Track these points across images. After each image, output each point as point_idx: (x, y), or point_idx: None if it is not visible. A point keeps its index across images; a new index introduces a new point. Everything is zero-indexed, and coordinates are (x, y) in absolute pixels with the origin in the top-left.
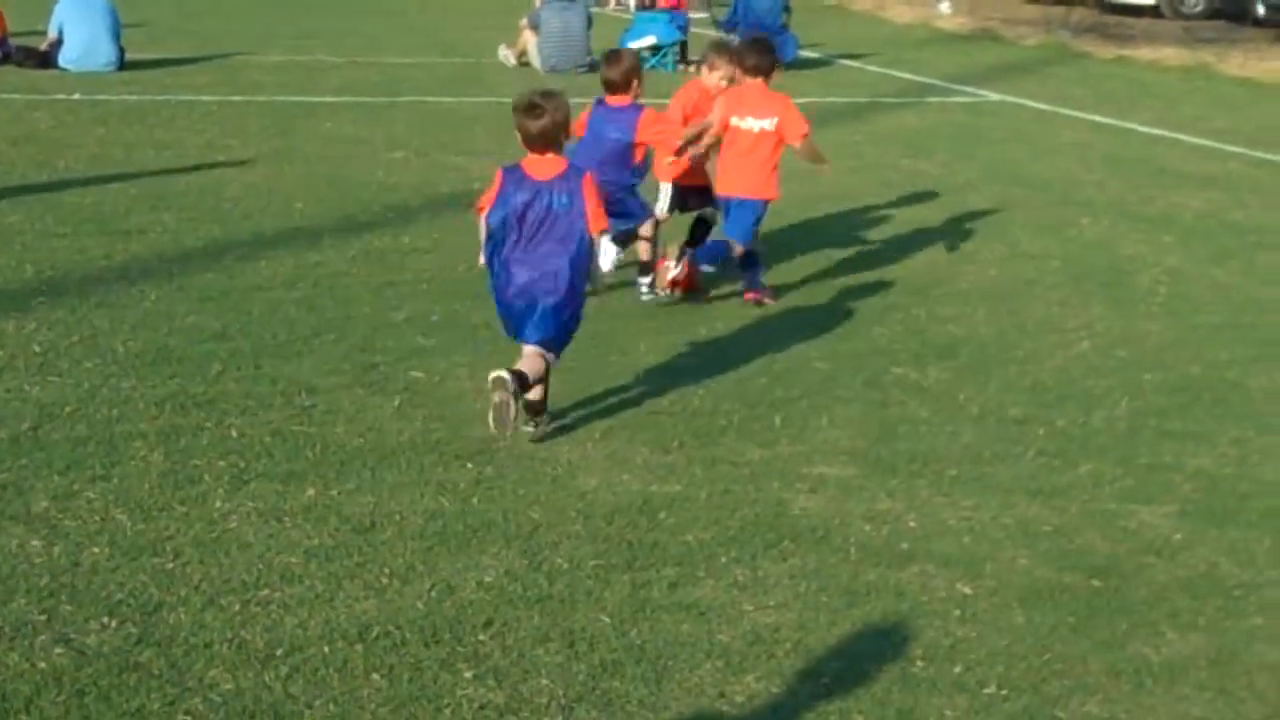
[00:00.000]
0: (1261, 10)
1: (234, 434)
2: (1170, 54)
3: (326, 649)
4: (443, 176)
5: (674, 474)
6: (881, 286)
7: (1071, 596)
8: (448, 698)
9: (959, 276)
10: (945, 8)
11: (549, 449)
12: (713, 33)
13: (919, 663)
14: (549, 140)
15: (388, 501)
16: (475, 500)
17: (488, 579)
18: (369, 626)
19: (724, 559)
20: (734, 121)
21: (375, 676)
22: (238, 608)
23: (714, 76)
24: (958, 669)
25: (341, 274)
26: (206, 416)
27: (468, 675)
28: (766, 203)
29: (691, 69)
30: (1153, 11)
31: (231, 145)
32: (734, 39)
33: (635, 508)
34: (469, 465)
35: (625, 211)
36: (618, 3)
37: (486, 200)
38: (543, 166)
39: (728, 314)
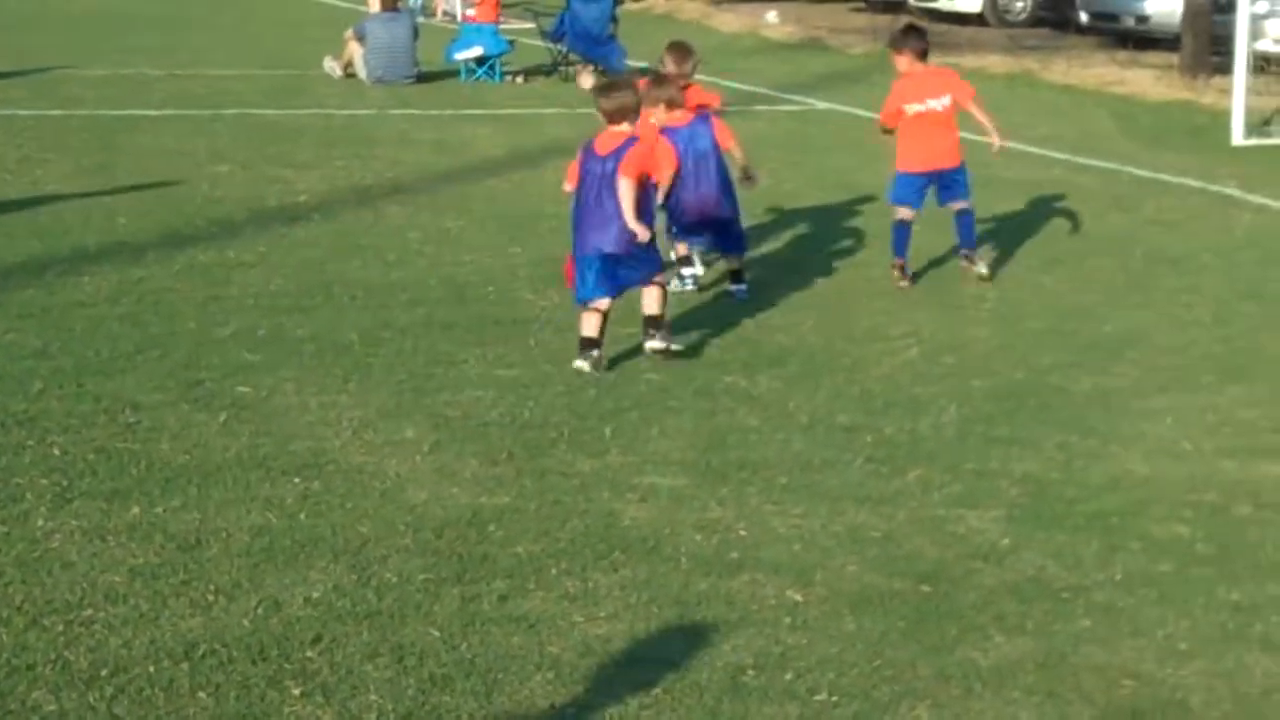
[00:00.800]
0: (1084, 18)
1: (56, 452)
2: (995, 61)
3: (152, 668)
4: (268, 189)
5: (503, 486)
6: (710, 296)
7: (901, 602)
8: (275, 715)
9: (786, 285)
10: (772, 17)
11: (377, 463)
12: (539, 43)
13: (750, 671)
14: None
15: (213, 518)
16: (303, 515)
17: (315, 594)
18: (195, 645)
19: (554, 570)
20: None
21: (202, 695)
22: (61, 628)
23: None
24: (788, 676)
25: (166, 289)
26: (28, 434)
27: (296, 692)
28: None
29: (518, 80)
30: (977, 20)
31: (50, 159)
32: (561, 48)
33: (465, 520)
34: (296, 480)
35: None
36: (444, 14)
37: None
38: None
39: (558, 324)
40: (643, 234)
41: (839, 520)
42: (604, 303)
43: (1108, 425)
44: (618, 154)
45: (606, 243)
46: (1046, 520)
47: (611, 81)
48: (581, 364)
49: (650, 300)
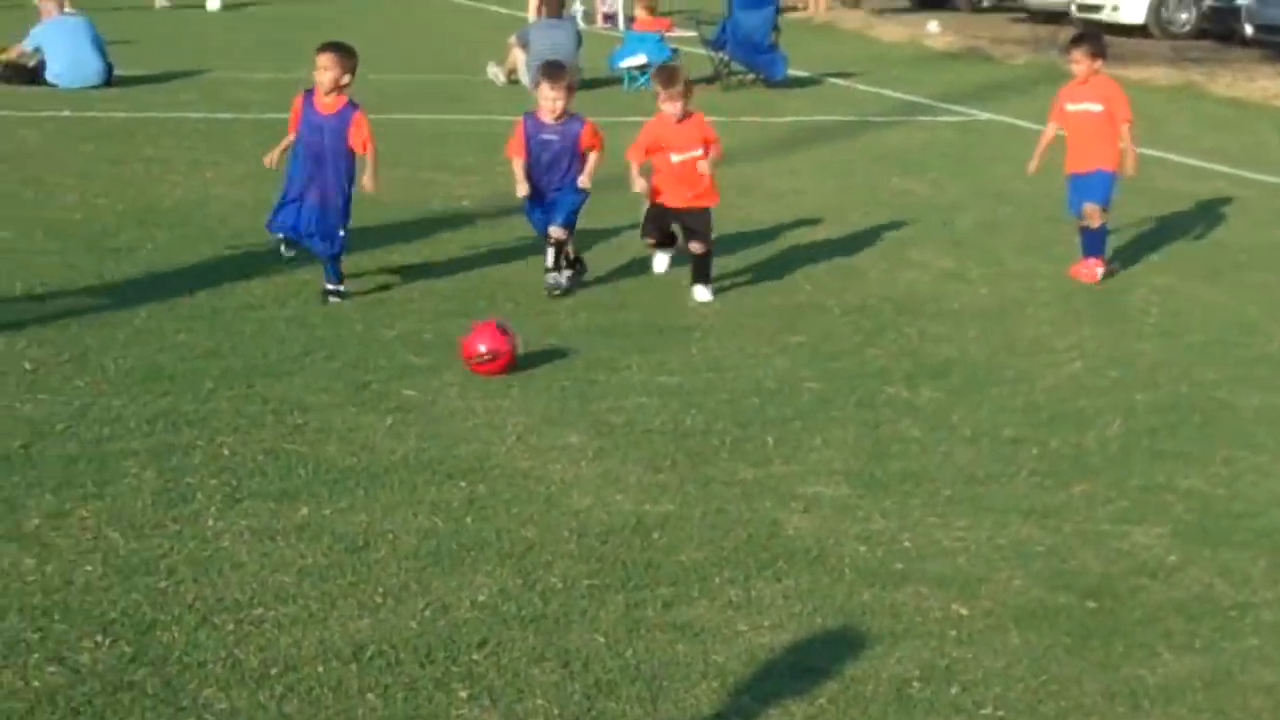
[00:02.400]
0: (1249, 30)
1: (226, 452)
2: (1158, 73)
3: (321, 668)
4: (431, 193)
5: (667, 493)
6: (873, 306)
7: (1066, 617)
8: (442, 718)
9: (950, 296)
10: (934, 27)
11: (542, 468)
12: (702, 51)
13: (915, 684)
14: None
15: (381, 520)
16: (468, 519)
17: (482, 598)
18: (363, 646)
19: (718, 579)
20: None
21: (370, 696)
22: (232, 627)
23: (670, 105)
24: (954, 690)
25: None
26: (199, 435)
27: (462, 695)
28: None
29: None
30: (1141, 31)
31: (220, 162)
32: (723, 56)
33: (629, 527)
34: (462, 484)
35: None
36: (605, 20)
37: None
38: None
39: (719, 332)
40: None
41: (1004, 533)
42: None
43: (1275, 441)
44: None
45: None
46: (1213, 537)
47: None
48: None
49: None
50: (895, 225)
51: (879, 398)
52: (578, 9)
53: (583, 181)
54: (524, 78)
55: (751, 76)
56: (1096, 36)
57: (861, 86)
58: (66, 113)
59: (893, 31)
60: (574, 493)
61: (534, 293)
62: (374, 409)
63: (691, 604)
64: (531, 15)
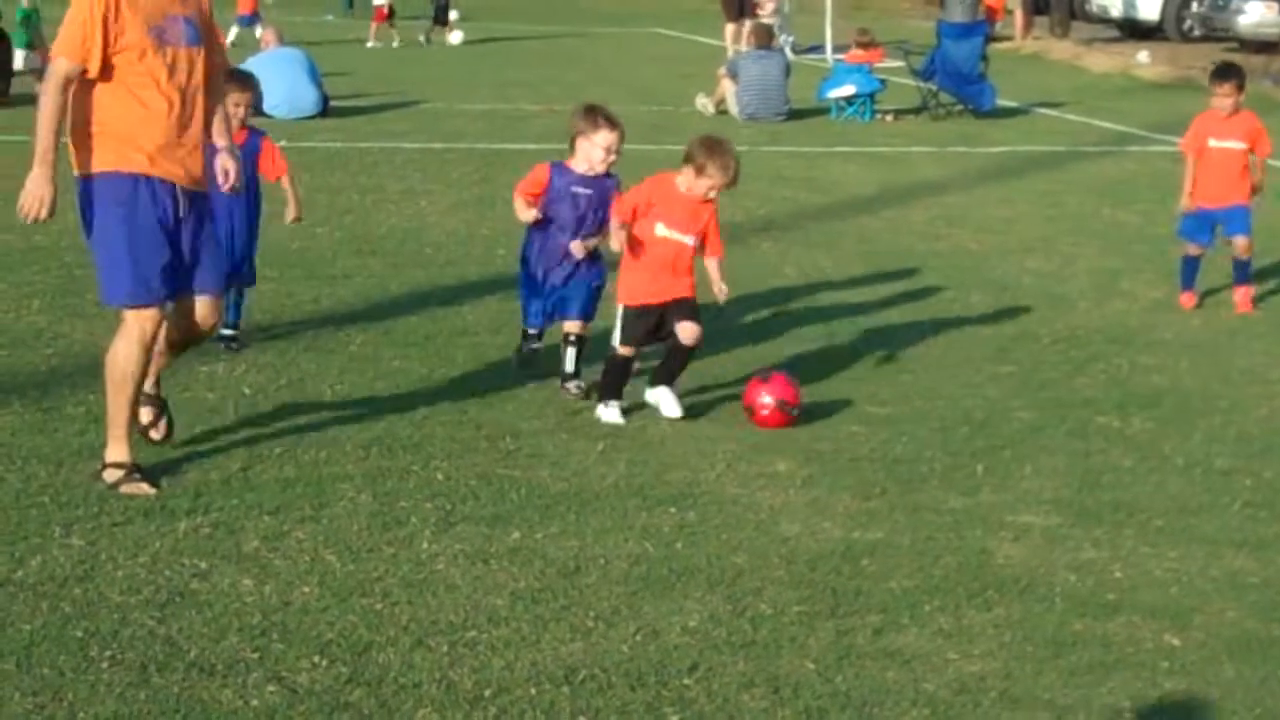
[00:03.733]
0: None
1: (440, 477)
2: None
3: (533, 690)
4: None
5: (876, 521)
6: (1083, 336)
7: None
8: None
9: (1160, 326)
10: (1144, 57)
11: (750, 495)
12: (910, 81)
13: (1127, 714)
14: None
15: (592, 545)
16: (678, 545)
17: (692, 623)
18: (575, 669)
19: (928, 607)
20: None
21: (582, 719)
22: (445, 649)
23: (701, 184)
24: None
25: None
26: (413, 459)
27: (674, 719)
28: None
29: (889, 118)
30: None
31: (434, 191)
32: (932, 86)
33: (838, 554)
34: (672, 510)
35: None
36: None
37: None
38: None
39: (929, 362)
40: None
41: (1216, 564)
42: None
43: None
44: None
45: None
46: None
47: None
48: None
49: None
50: (1106, 255)
51: (1089, 427)
52: (786, 39)
53: (616, 243)
54: (733, 108)
55: (960, 107)
56: (1241, 70)
57: (1071, 116)
58: (283, 143)
59: (1102, 61)
60: (783, 519)
61: (744, 325)
62: (585, 435)
63: (901, 631)
64: (729, 45)
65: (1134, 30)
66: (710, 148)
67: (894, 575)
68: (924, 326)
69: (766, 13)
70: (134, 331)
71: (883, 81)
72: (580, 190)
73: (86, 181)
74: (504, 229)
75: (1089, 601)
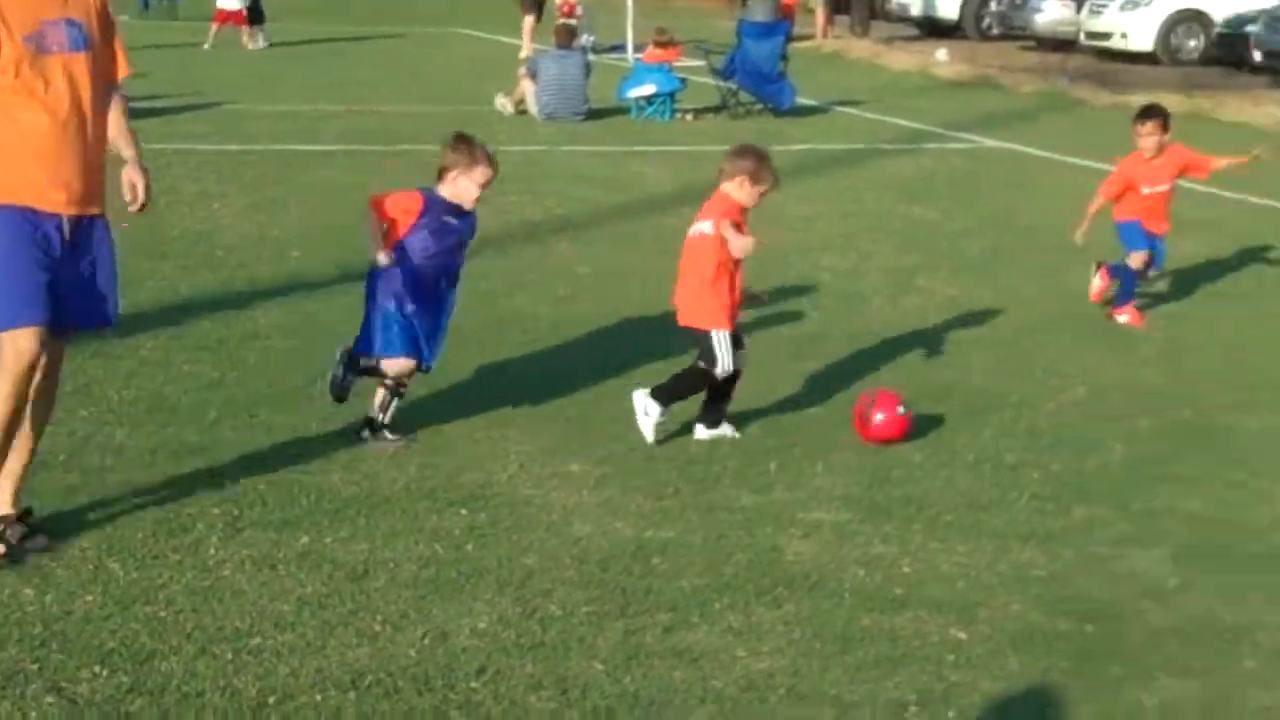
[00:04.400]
0: (1257, 56)
1: (228, 481)
2: (1167, 100)
3: (319, 697)
4: None
5: (668, 520)
6: (878, 332)
7: (1065, 642)
8: None
9: (955, 322)
10: (942, 55)
11: (543, 496)
12: (709, 81)
13: (913, 708)
14: None
15: (381, 549)
16: (469, 547)
17: (480, 626)
18: (361, 674)
19: (718, 605)
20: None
21: None
22: (230, 656)
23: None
24: (951, 714)
25: (338, 321)
26: (201, 464)
27: None
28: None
29: (689, 117)
30: (1149, 58)
31: (228, 193)
32: (731, 85)
33: (629, 554)
34: (463, 512)
35: None
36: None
37: None
38: None
39: None
40: None
41: (1004, 558)
42: None
43: (1276, 464)
44: None
45: None
46: (1214, 560)
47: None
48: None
49: None
50: (903, 252)
51: None
52: (587, 39)
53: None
54: (532, 108)
55: (759, 106)
56: (1163, 109)
57: (870, 115)
58: None
59: (901, 60)
60: (575, 520)
61: (540, 322)
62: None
63: (691, 630)
64: (525, 40)
65: (933, 29)
66: (759, 155)
67: (685, 574)
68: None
69: (578, 15)
70: (8, 362)
71: (683, 80)
72: (451, 220)
73: None
74: (298, 231)
75: (877, 597)
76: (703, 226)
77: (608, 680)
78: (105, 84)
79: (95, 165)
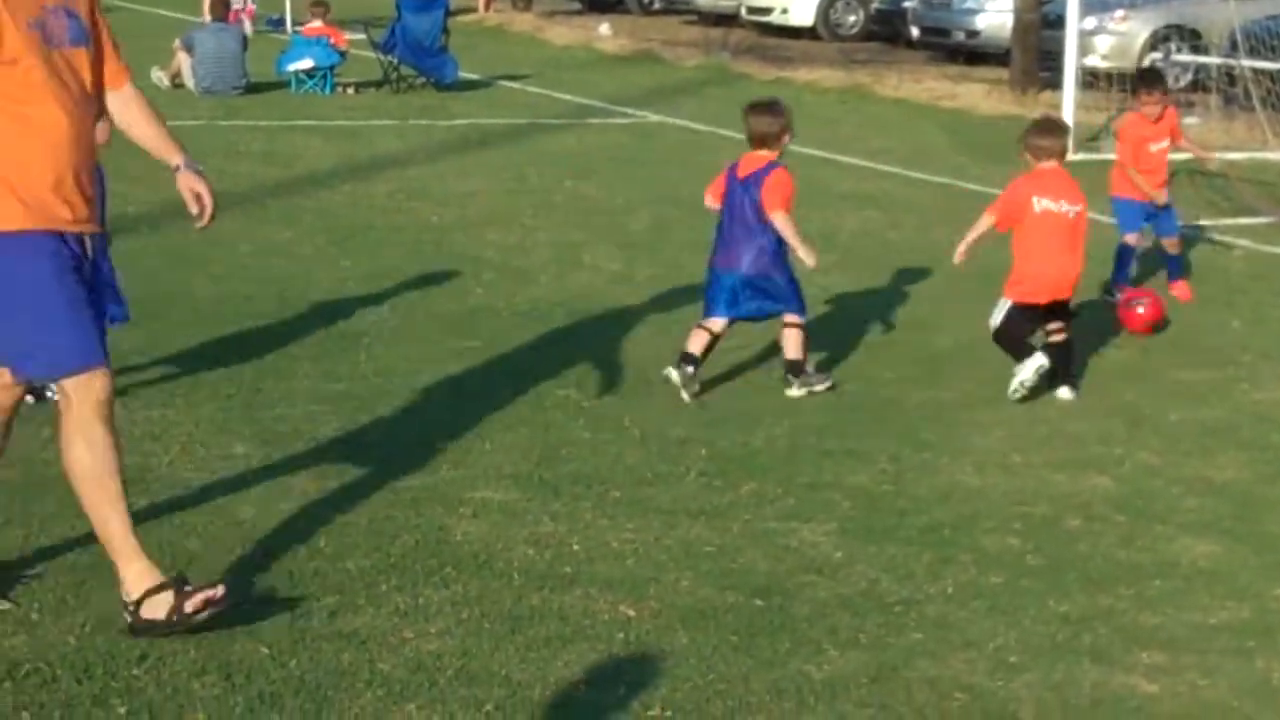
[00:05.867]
0: (915, 33)
1: None
2: (827, 75)
3: None
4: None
5: (334, 501)
6: (544, 309)
7: (734, 616)
8: None
9: (619, 296)
10: (605, 29)
11: (206, 479)
12: (371, 54)
13: (582, 687)
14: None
15: (38, 535)
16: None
17: None
18: (18, 664)
19: (384, 586)
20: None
21: (25, 715)
22: None
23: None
24: (621, 691)
25: None
26: None
27: (121, 711)
28: None
29: (349, 91)
30: (810, 33)
31: None
32: (393, 59)
33: (294, 536)
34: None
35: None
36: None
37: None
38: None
39: (388, 339)
40: (810, 259)
41: (672, 534)
42: (717, 323)
43: (939, 438)
44: (755, 179)
45: (738, 265)
46: (878, 533)
47: (762, 101)
48: (670, 371)
49: (788, 343)
50: (566, 227)
51: (548, 400)
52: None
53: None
54: (189, 81)
55: (421, 80)
56: (1164, 76)
57: (533, 89)
58: None
59: (564, 34)
60: (239, 503)
61: (200, 301)
62: (29, 421)
63: (358, 612)
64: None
65: (595, 3)
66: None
67: (351, 555)
68: (383, 301)
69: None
70: (89, 407)
71: (342, 54)
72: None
73: None
74: None
75: (546, 575)
76: (1076, 206)
77: (273, 664)
78: (100, 87)
79: (96, 176)
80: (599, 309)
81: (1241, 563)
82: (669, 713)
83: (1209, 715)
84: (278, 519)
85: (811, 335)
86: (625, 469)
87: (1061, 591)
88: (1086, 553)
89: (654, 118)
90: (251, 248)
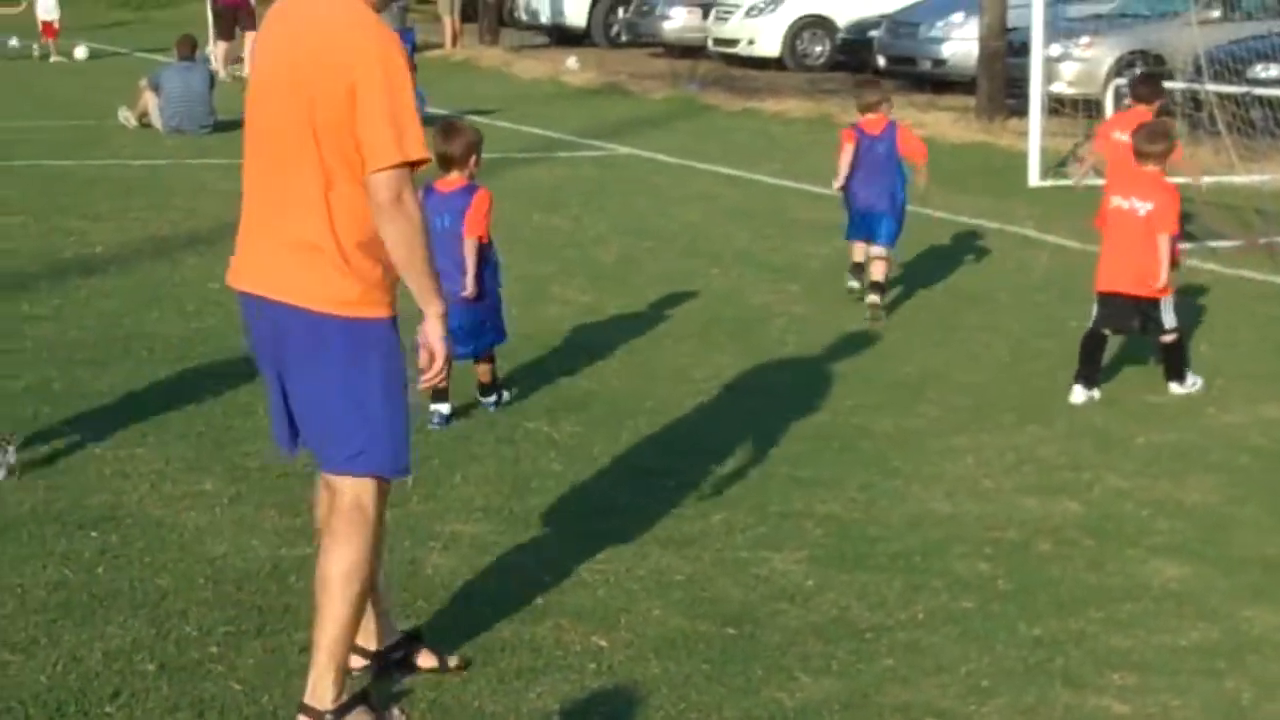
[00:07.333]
0: (882, 62)
1: None
2: (794, 105)
3: None
4: (63, 241)
5: (304, 537)
6: (513, 342)
7: (706, 645)
8: None
9: (588, 330)
10: (573, 63)
11: (175, 516)
12: None
13: (555, 718)
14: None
15: (9, 574)
16: (100, 570)
17: (114, 648)
18: None
19: None
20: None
21: None
22: None
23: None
24: None
25: None
26: None
27: None
28: None
29: None
30: (776, 64)
31: None
32: None
33: (265, 572)
34: (93, 534)
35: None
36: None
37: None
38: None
39: None
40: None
41: (643, 564)
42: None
43: (909, 465)
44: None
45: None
46: (850, 560)
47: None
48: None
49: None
50: (536, 261)
51: (518, 432)
52: (210, 50)
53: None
54: (156, 121)
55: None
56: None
57: (502, 123)
58: None
59: (531, 68)
60: (209, 539)
61: (168, 340)
62: (2, 462)
63: None
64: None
65: (562, 36)
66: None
67: None
68: None
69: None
70: (374, 515)
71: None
72: None
73: (367, 325)
74: None
75: (518, 607)
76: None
77: (246, 700)
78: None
79: None
80: (569, 341)
81: (1211, 584)
82: None
83: None
84: (249, 555)
85: (783, 364)
86: (596, 500)
87: (1033, 615)
88: (1057, 576)
89: (622, 150)
90: (220, 285)
